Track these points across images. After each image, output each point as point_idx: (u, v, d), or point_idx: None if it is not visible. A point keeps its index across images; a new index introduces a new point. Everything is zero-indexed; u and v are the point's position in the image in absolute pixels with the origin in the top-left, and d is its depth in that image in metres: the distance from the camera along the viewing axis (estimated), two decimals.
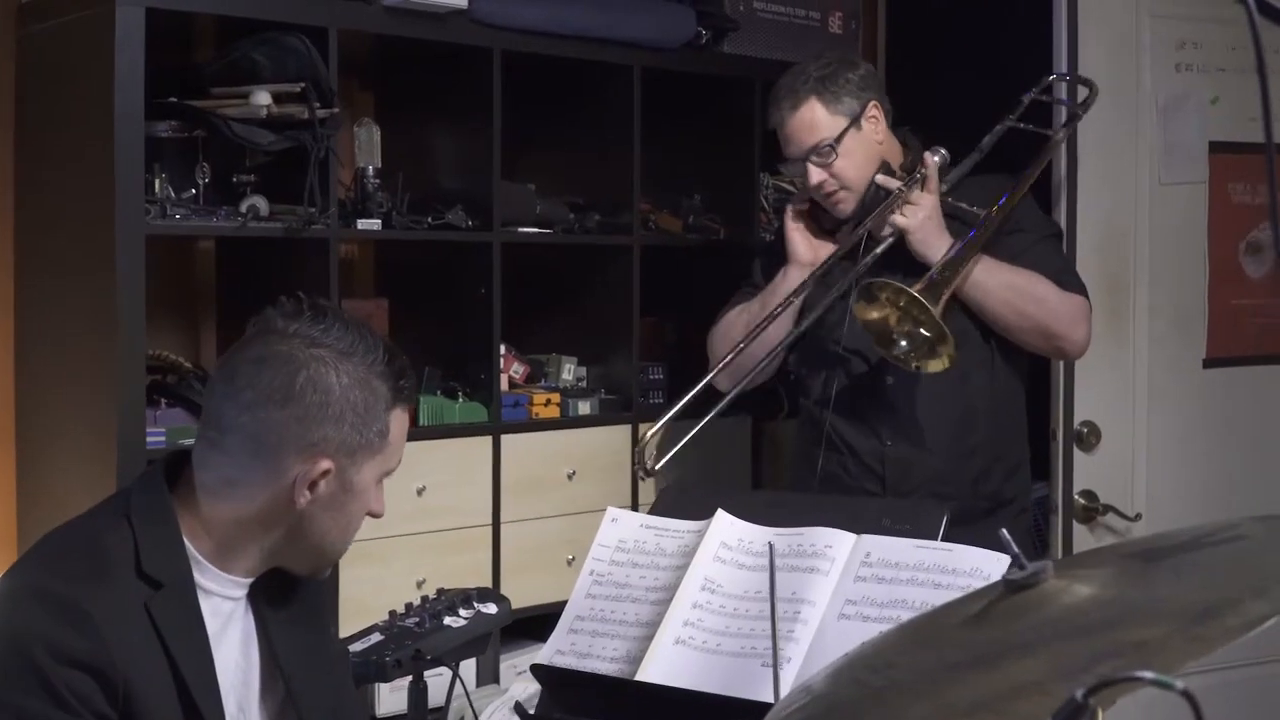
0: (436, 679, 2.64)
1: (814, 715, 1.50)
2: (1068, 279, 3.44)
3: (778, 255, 3.62)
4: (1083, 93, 3.69)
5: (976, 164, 3.53)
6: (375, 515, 2.25)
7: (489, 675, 3.71)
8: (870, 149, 3.47)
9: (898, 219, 3.36)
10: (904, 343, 3.24)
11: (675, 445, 3.43)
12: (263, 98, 3.33)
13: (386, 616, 2.59)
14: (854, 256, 3.48)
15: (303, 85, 3.36)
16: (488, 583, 3.63)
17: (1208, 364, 4.08)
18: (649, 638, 2.40)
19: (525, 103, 4.02)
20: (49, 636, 1.96)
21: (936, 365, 3.22)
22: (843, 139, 3.43)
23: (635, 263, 4.00)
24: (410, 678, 2.52)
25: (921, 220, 3.36)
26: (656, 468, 3.44)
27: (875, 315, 3.24)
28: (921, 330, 3.20)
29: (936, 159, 3.39)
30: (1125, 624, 1.39)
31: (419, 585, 3.43)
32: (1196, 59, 4.02)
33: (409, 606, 2.59)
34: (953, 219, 3.40)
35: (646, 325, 4.13)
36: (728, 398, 3.52)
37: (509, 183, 3.85)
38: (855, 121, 3.45)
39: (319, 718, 2.24)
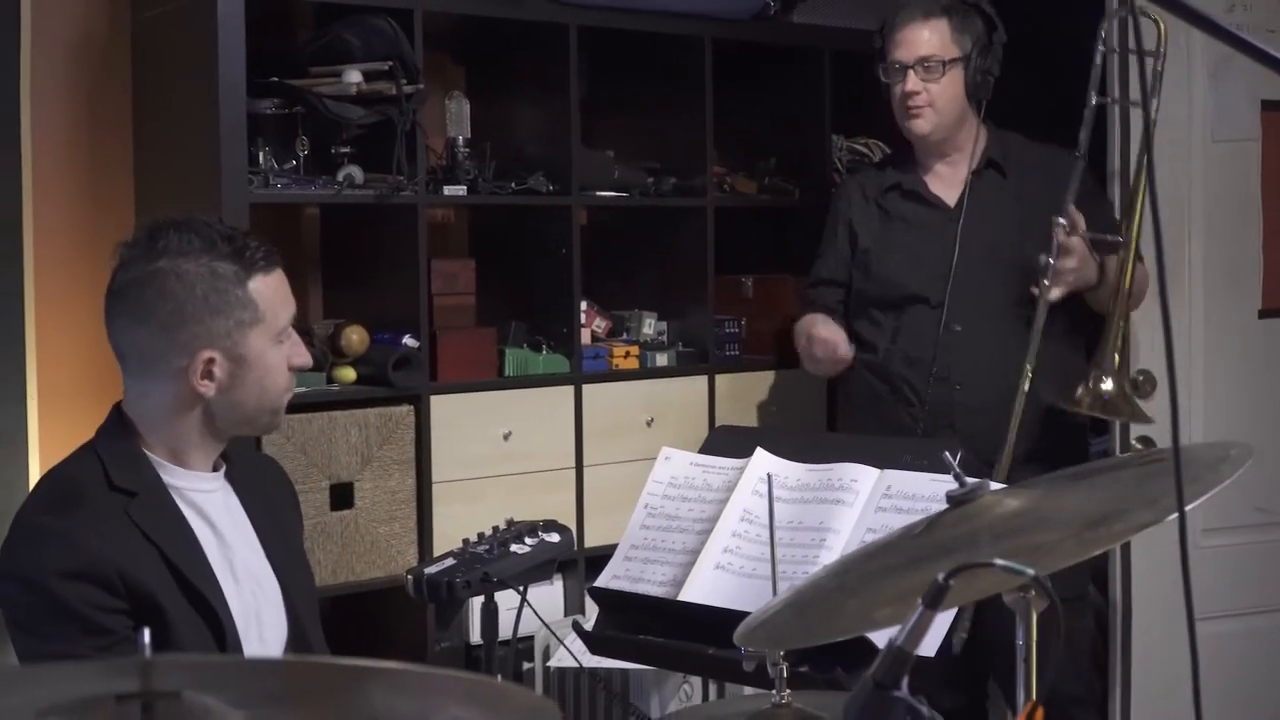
0: (509, 612, 2.89)
1: (774, 611, 1.76)
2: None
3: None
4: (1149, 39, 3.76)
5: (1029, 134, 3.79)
6: (298, 368, 2.53)
7: (576, 606, 3.98)
8: (964, 95, 3.71)
9: (1053, 295, 3.56)
10: None
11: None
12: (353, 76, 3.61)
13: (460, 544, 2.85)
14: (922, 217, 3.75)
15: (390, 64, 3.63)
16: (571, 522, 3.89)
17: (1263, 314, 4.22)
18: (693, 564, 2.65)
19: (603, 73, 4.28)
20: (47, 565, 2.29)
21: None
22: (951, 66, 3.67)
23: (710, 223, 4.22)
24: (482, 599, 2.77)
25: (1072, 284, 3.58)
26: None
27: None
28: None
29: (1059, 228, 3.53)
30: (1032, 530, 1.63)
31: (508, 524, 3.69)
32: (1247, 20, 4.15)
33: (480, 535, 2.84)
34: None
35: (723, 282, 4.35)
36: None
37: (588, 149, 4.10)
38: (965, 61, 3.68)
39: (298, 596, 2.57)
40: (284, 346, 2.50)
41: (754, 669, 2.12)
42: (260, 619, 2.49)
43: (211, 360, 2.41)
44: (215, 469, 2.53)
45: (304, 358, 2.55)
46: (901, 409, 3.77)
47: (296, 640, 2.55)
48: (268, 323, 2.46)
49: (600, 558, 3.69)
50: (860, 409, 3.93)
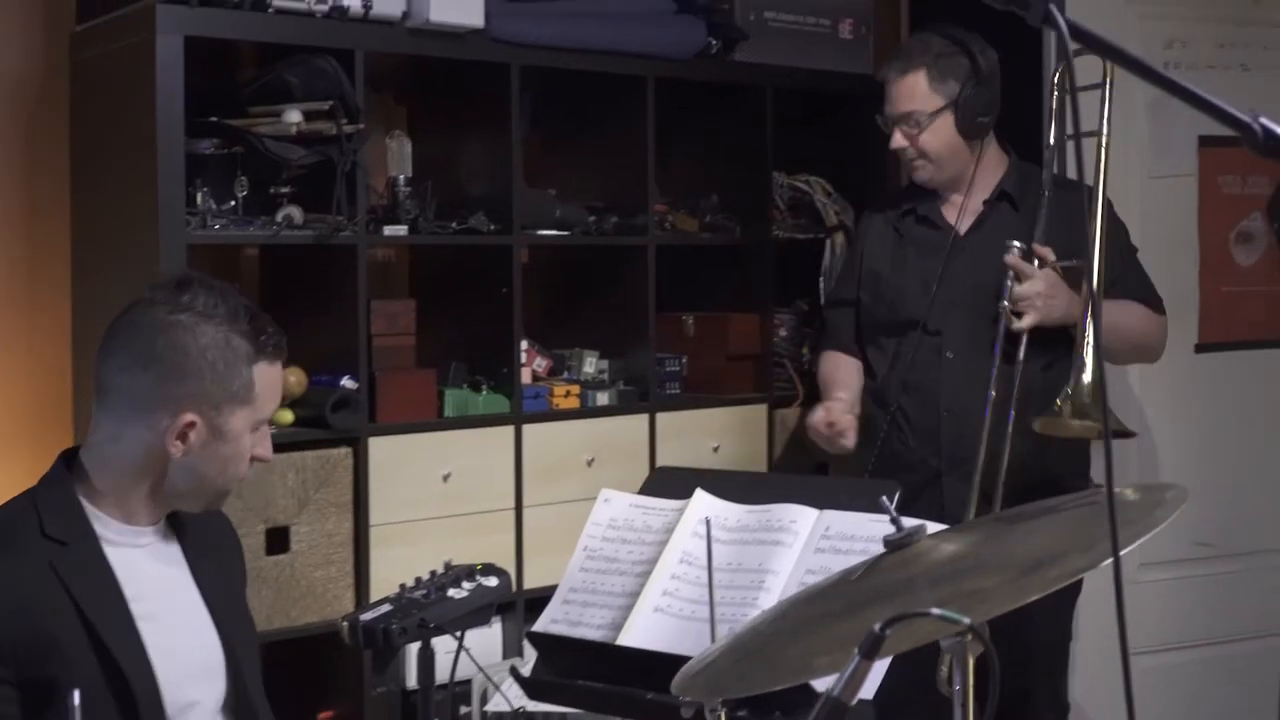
0: (447, 655, 2.86)
1: (713, 658, 1.75)
2: (1155, 299, 3.68)
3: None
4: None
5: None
6: (261, 459, 2.53)
7: (514, 649, 3.96)
8: (957, 136, 3.72)
9: (1021, 324, 3.57)
10: None
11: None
12: (293, 115, 3.59)
13: (397, 589, 2.82)
14: (932, 242, 3.77)
15: (331, 103, 3.61)
16: (511, 564, 3.87)
17: (1200, 349, 4.26)
18: (632, 607, 2.64)
19: (545, 111, 4.27)
20: None
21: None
22: (935, 116, 3.69)
23: (650, 261, 4.21)
24: (419, 644, 2.75)
25: (1040, 310, 3.57)
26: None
27: None
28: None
29: (1011, 255, 3.58)
30: (968, 575, 1.63)
31: (446, 566, 3.67)
32: (1184, 57, 4.21)
33: (418, 580, 2.82)
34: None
35: (664, 320, 4.35)
36: None
37: (529, 188, 4.09)
38: (953, 105, 3.69)
39: (241, 651, 2.52)
40: (256, 435, 2.51)
41: (692, 715, 2.11)
42: (193, 677, 2.44)
43: (192, 424, 2.40)
44: (158, 521, 2.50)
45: (268, 452, 2.56)
46: (895, 436, 3.79)
47: (236, 697, 2.52)
48: (256, 408, 2.48)
49: (540, 599, 3.65)
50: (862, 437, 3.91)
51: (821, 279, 4.59)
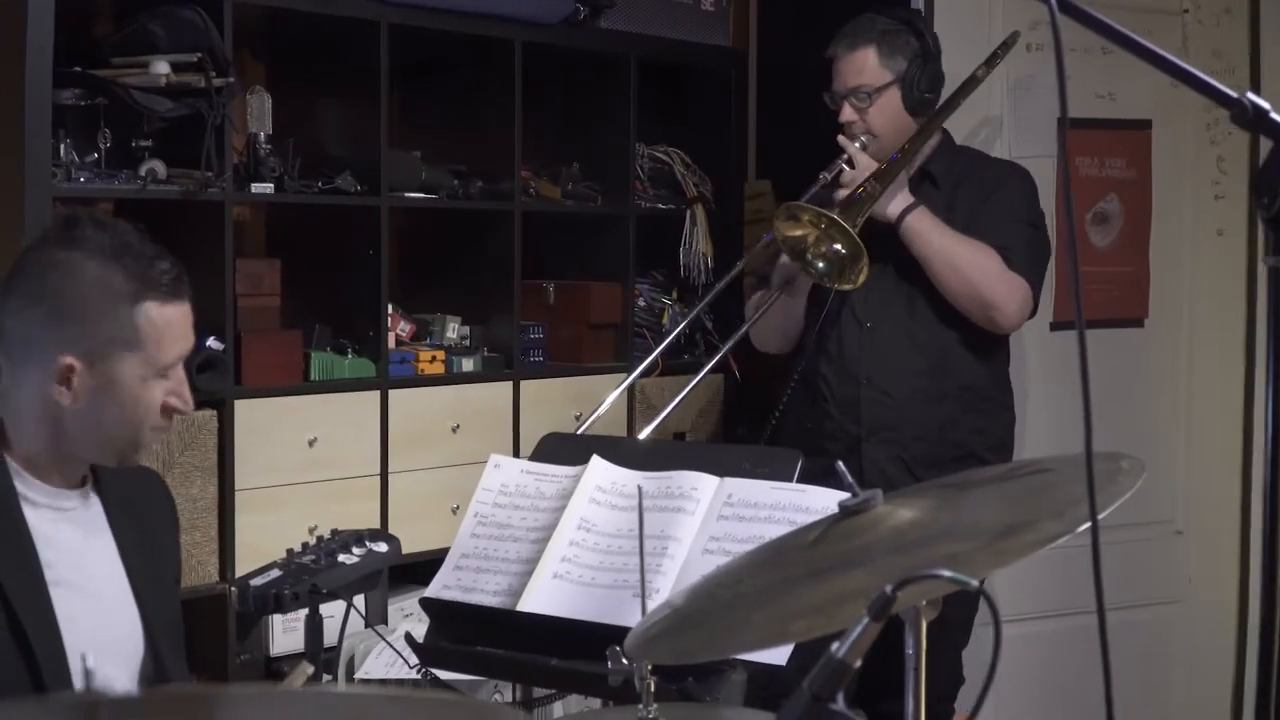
0: (329, 620, 2.82)
1: (672, 625, 1.74)
2: (1018, 260, 3.70)
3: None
4: None
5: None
6: (174, 410, 2.35)
7: (378, 617, 3.89)
8: (904, 113, 3.73)
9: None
10: (821, 264, 3.57)
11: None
12: (162, 67, 3.48)
13: (284, 554, 2.77)
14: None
15: (199, 55, 3.51)
16: None
17: (1054, 327, 4.34)
18: (529, 573, 2.60)
19: (413, 73, 4.20)
20: None
21: (848, 285, 3.54)
22: (882, 91, 3.70)
23: (517, 228, 4.18)
24: (307, 611, 2.70)
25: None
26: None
27: (796, 233, 3.56)
28: (839, 248, 3.51)
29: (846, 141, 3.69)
30: (939, 541, 1.63)
31: (310, 531, 3.61)
32: (1046, 39, 4.26)
33: (305, 545, 2.76)
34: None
35: (527, 288, 4.32)
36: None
37: (396, 150, 4.03)
38: (900, 81, 3.71)
39: (159, 620, 2.41)
40: (164, 383, 2.33)
41: (620, 682, 2.08)
42: (106, 649, 2.32)
43: (71, 368, 2.26)
44: (83, 483, 2.38)
45: (182, 402, 2.36)
46: (818, 405, 3.82)
47: (155, 668, 2.41)
48: (146, 353, 2.29)
49: (406, 567, 3.64)
50: (785, 410, 3.92)
51: (681, 250, 4.59)
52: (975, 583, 1.34)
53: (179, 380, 2.36)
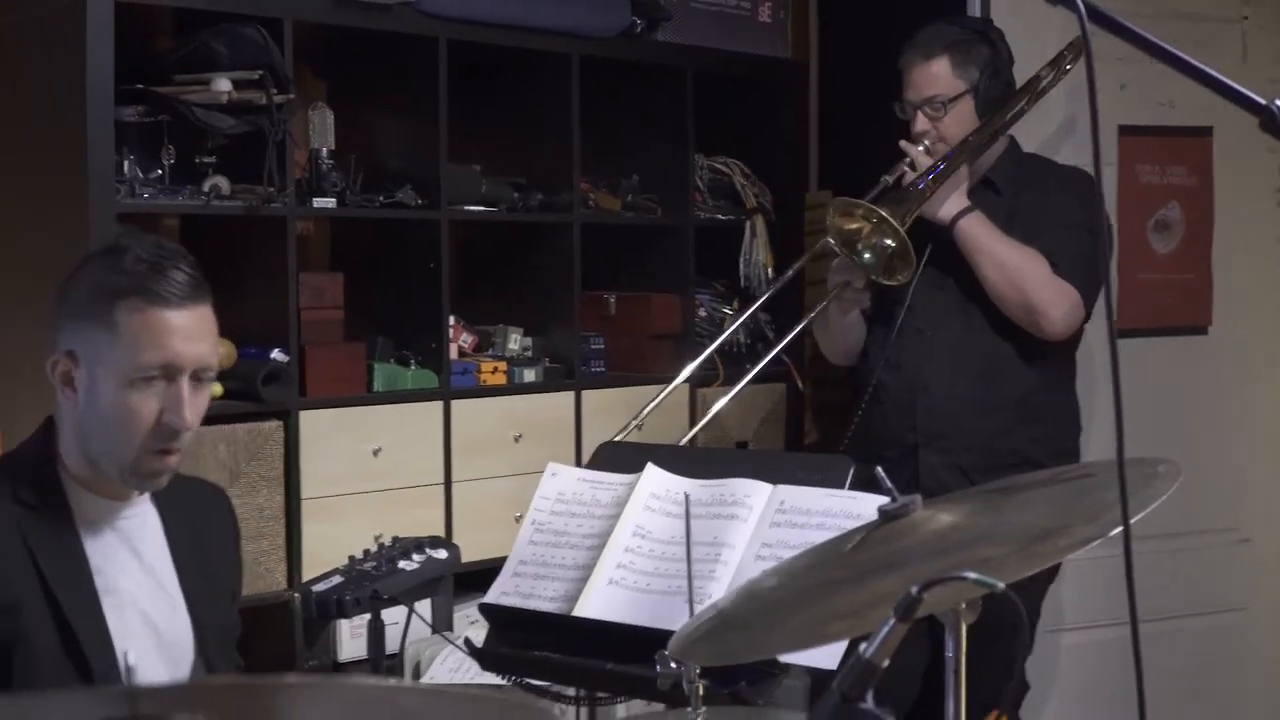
0: (394, 627, 2.87)
1: (715, 626, 1.76)
2: (1066, 265, 3.70)
3: None
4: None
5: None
6: (167, 426, 2.26)
7: (444, 623, 3.94)
8: (977, 121, 3.75)
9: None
10: (868, 255, 3.62)
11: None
12: (223, 84, 3.53)
13: (346, 561, 2.81)
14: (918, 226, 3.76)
15: (260, 73, 3.57)
16: None
17: (1121, 335, 4.31)
18: (585, 579, 2.64)
19: (471, 87, 4.25)
20: None
21: (895, 281, 3.59)
22: (956, 101, 3.72)
23: (576, 239, 4.22)
24: (369, 617, 2.74)
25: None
26: None
27: (850, 226, 3.62)
28: (889, 242, 3.55)
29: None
30: (975, 545, 1.65)
31: (375, 540, 3.64)
32: (1105, 47, 4.25)
33: (367, 552, 2.81)
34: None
35: (588, 298, 4.36)
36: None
37: (455, 164, 4.07)
38: (973, 90, 3.73)
39: (211, 630, 2.43)
40: (156, 394, 2.25)
41: (669, 686, 2.11)
42: (156, 656, 2.34)
43: (67, 366, 2.27)
44: (139, 494, 2.39)
45: (177, 417, 2.25)
46: (874, 411, 3.84)
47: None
48: (121, 352, 2.22)
49: (469, 574, 3.68)
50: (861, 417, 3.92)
51: (741, 260, 4.62)
52: (1000, 585, 1.36)
53: (178, 395, 2.26)
